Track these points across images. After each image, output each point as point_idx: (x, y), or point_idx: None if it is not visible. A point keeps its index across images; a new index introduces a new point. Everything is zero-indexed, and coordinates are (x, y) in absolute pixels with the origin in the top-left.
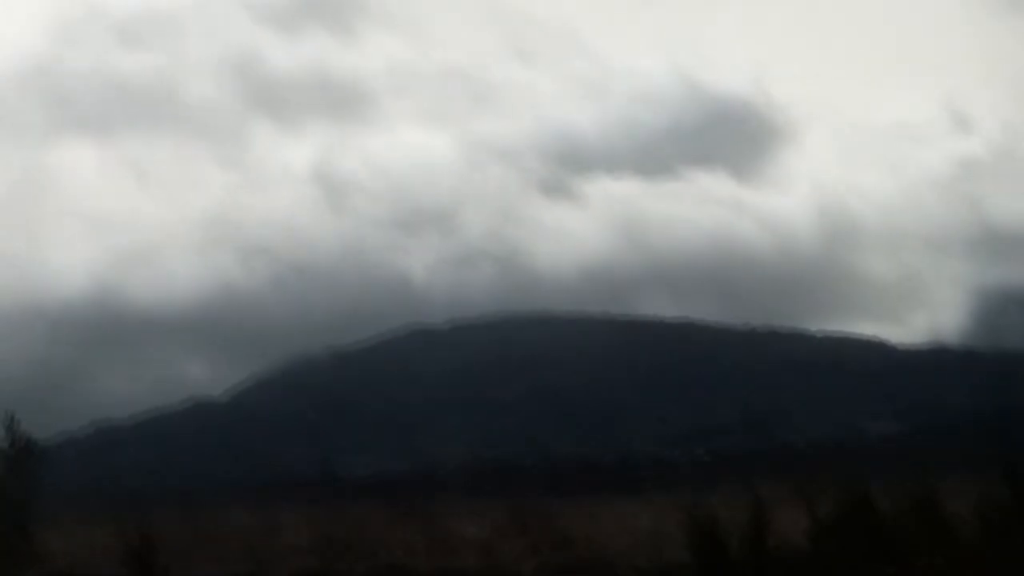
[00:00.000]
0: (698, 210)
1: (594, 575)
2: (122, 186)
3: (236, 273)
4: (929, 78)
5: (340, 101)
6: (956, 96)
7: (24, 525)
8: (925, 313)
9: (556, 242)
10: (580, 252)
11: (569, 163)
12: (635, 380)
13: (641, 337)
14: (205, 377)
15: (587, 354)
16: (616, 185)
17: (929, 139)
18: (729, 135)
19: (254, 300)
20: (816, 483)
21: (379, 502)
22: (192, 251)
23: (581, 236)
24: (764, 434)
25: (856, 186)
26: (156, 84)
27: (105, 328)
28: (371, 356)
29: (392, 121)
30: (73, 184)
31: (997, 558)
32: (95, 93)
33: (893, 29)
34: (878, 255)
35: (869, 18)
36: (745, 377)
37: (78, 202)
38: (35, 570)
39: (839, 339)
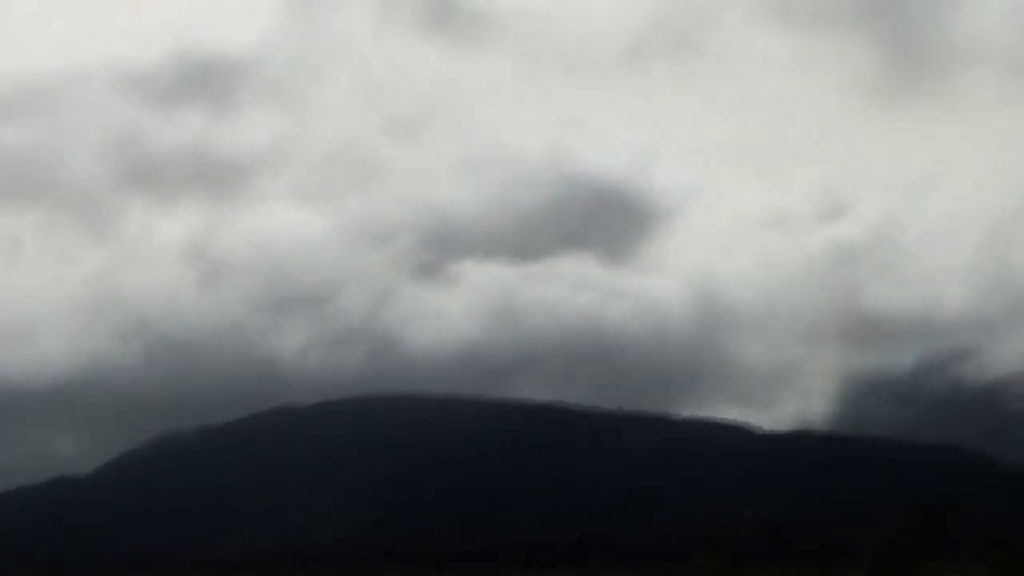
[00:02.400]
0: (571, 293)
1: None
2: None
3: (108, 349)
4: (805, 165)
5: (217, 178)
6: (831, 184)
7: None
8: (794, 398)
9: (429, 325)
10: (453, 335)
11: (444, 245)
12: (506, 462)
13: (511, 420)
14: (74, 453)
15: (458, 436)
16: (490, 268)
17: (803, 226)
18: (604, 218)
19: (126, 376)
20: (685, 567)
21: None
22: (65, 326)
23: (454, 319)
24: (633, 517)
25: (731, 271)
26: (31, 158)
27: None
28: (239, 435)
29: (269, 199)
30: None
31: None
32: None
33: (769, 117)
34: (751, 340)
35: (746, 107)
36: (614, 460)
37: None
38: None
39: (704, 424)
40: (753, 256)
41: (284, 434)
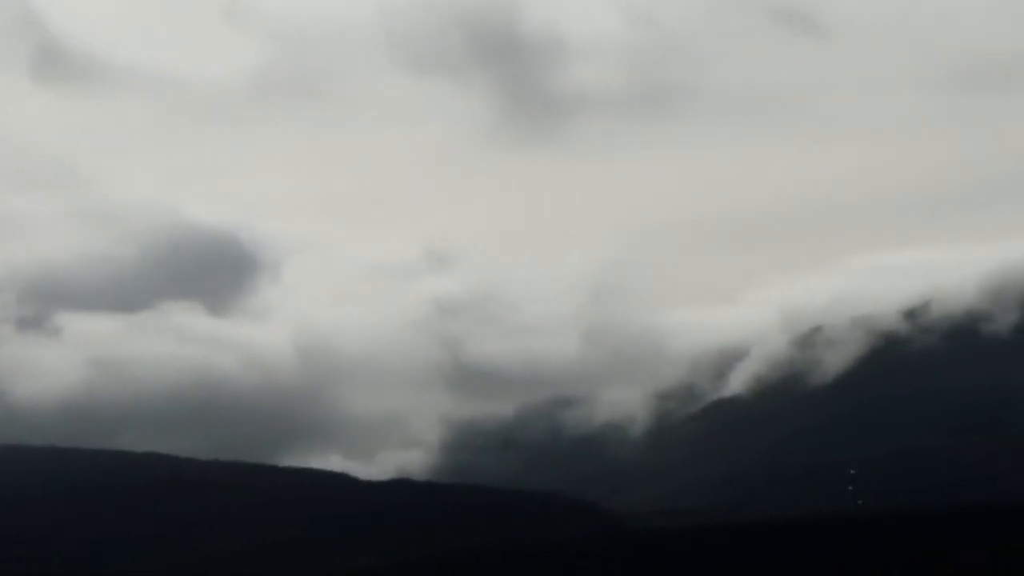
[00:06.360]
0: (177, 344)
1: None
2: None
3: None
4: (411, 218)
5: None
6: (440, 235)
7: None
8: (397, 448)
9: (32, 377)
10: (56, 387)
11: (47, 298)
12: (105, 511)
13: (112, 470)
14: None
15: (58, 486)
16: (93, 320)
17: (409, 278)
18: (211, 269)
19: None
20: None
21: None
22: None
23: (57, 371)
24: (237, 565)
25: (337, 322)
26: None
27: None
28: None
29: None
30: None
31: None
32: None
33: (378, 169)
34: (355, 390)
35: (362, 156)
36: (214, 509)
37: None
38: None
39: (305, 473)
40: (359, 307)
41: None
